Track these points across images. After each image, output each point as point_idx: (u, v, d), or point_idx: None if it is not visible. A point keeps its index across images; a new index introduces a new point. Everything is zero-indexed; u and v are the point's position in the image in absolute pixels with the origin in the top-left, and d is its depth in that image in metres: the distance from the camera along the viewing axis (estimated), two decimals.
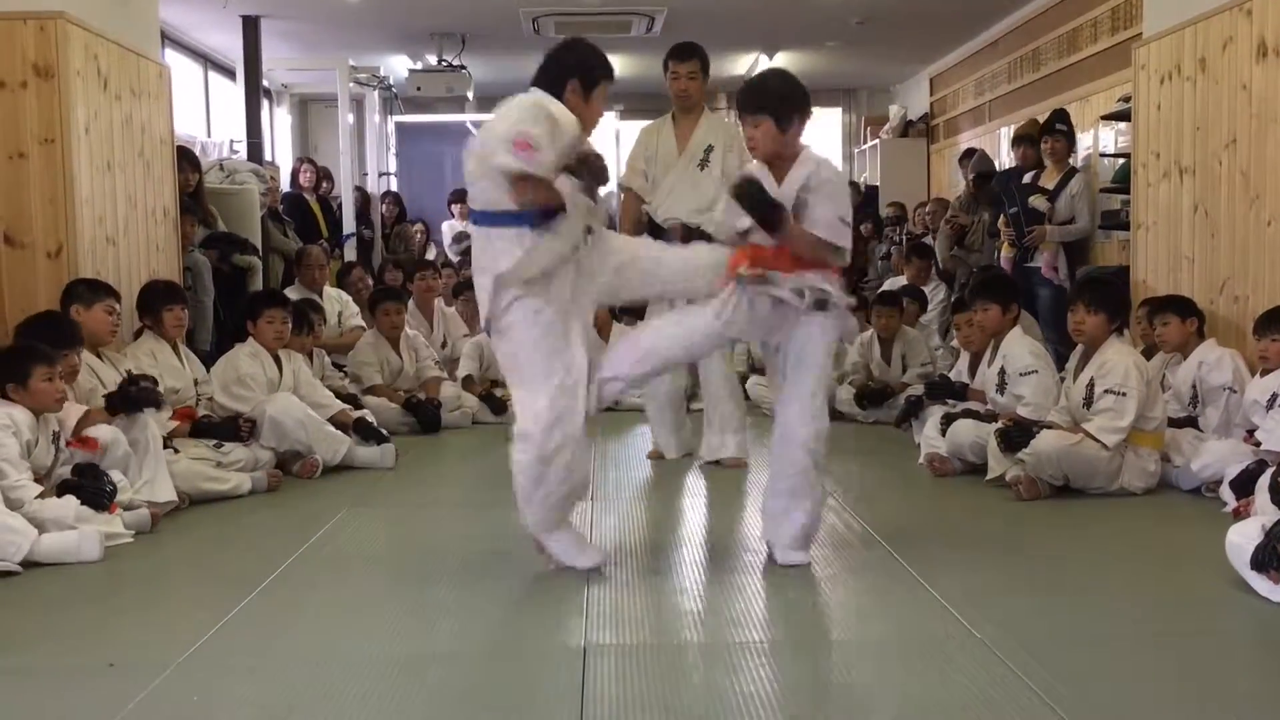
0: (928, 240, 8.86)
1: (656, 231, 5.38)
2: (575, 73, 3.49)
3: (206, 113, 10.99)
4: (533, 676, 2.77)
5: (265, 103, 10.87)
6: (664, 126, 5.47)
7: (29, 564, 3.67)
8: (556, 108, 3.39)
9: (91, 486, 4.02)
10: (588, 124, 3.51)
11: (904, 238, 9.67)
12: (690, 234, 5.03)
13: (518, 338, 3.40)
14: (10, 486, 3.82)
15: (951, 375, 5.83)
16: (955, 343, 6.35)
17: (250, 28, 9.51)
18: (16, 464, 3.89)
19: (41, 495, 3.89)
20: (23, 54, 4.84)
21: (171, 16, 9.00)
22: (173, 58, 9.53)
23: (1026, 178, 7.23)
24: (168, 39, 9.28)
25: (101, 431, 4.25)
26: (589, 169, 3.41)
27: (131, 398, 4.36)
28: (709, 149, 5.32)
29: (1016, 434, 4.70)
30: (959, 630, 3.03)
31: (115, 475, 4.17)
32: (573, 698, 2.61)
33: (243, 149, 9.78)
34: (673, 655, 2.92)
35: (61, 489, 3.99)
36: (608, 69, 3.58)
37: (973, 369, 5.59)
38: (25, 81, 4.85)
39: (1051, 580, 3.57)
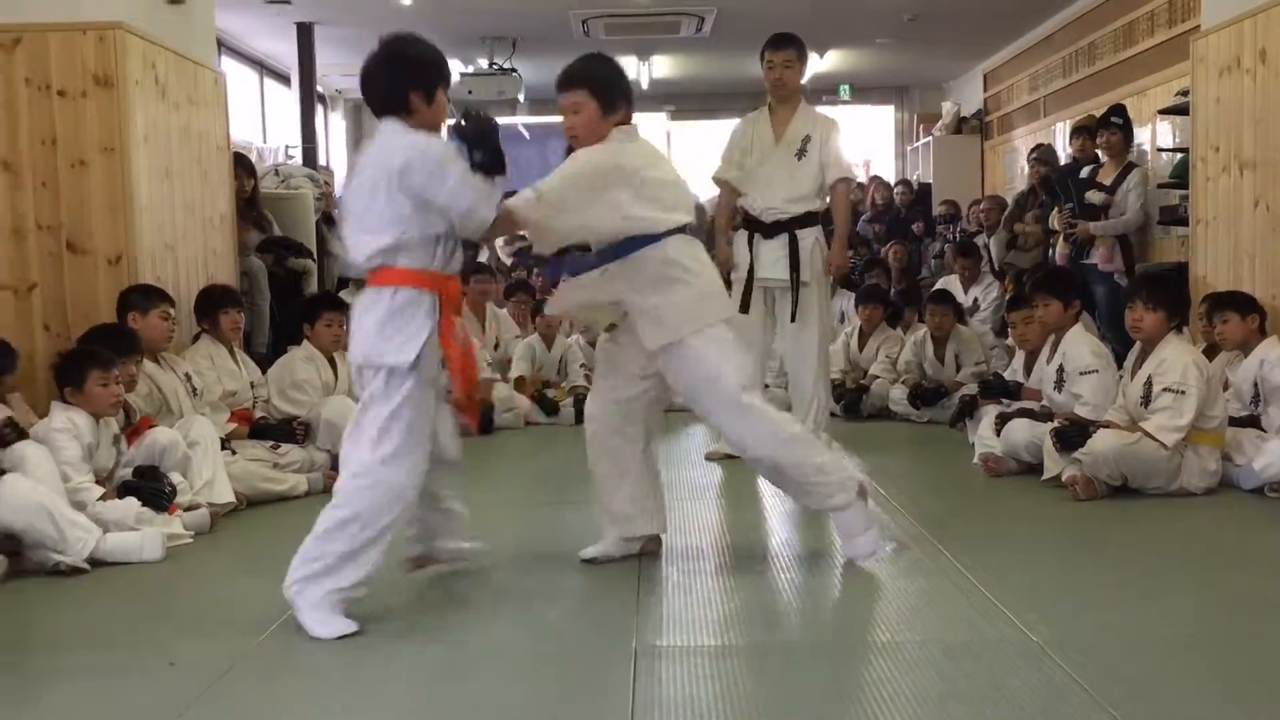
0: (981, 238, 8.76)
1: (750, 224, 5.40)
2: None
3: (262, 119, 11.15)
4: (584, 678, 2.78)
5: (319, 108, 11.02)
6: (760, 118, 5.49)
7: (92, 562, 3.75)
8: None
9: (151, 488, 4.11)
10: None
11: (957, 236, 9.57)
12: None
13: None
14: (74, 489, 3.91)
15: (1006, 374, 5.77)
16: (1010, 341, 6.28)
17: (304, 34, 9.64)
18: (79, 466, 3.98)
19: (103, 497, 3.98)
20: (83, 64, 4.94)
21: (227, 24, 9.15)
22: (229, 65, 9.69)
23: (1084, 172, 7.12)
24: (224, 47, 9.44)
25: (160, 434, 4.34)
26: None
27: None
28: (806, 138, 5.33)
29: (1073, 433, 4.64)
30: (1014, 632, 3.00)
31: (175, 477, 4.25)
32: (623, 699, 2.62)
33: (298, 154, 9.92)
34: (724, 657, 2.92)
35: (123, 490, 4.07)
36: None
37: (1028, 368, 5.52)
38: (85, 91, 4.95)
39: (1109, 582, 3.51)
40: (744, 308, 5.40)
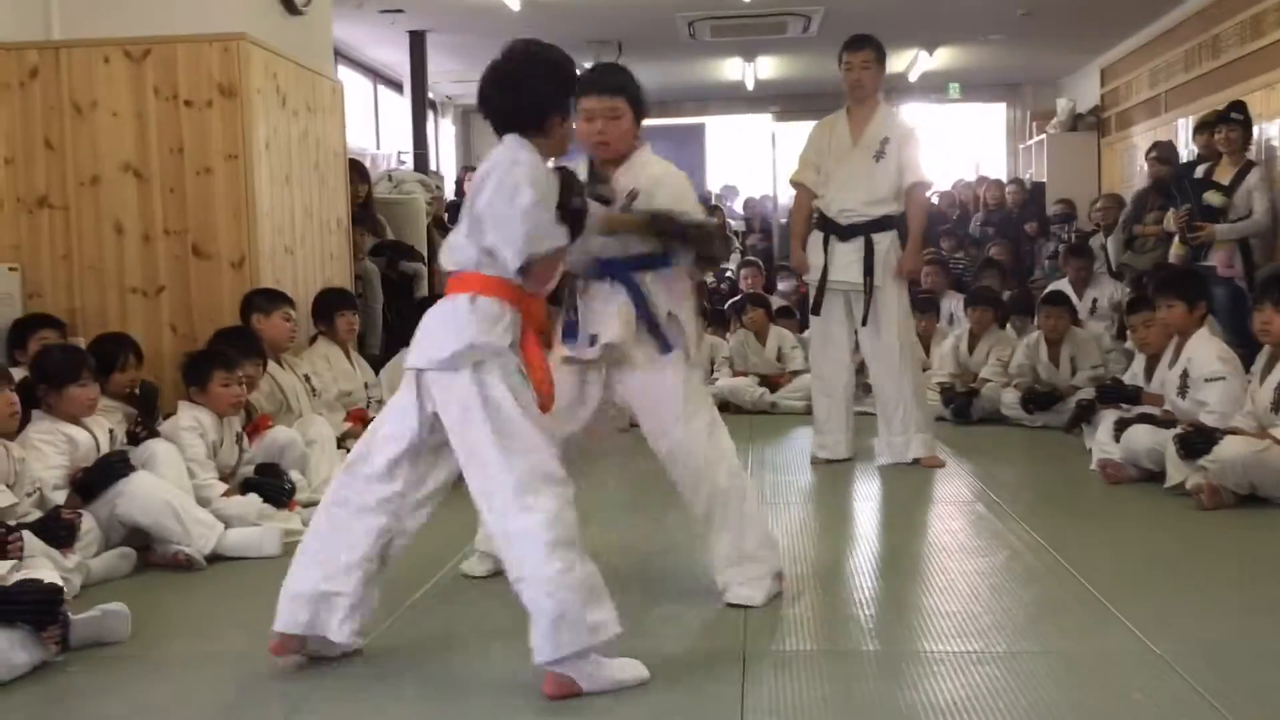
0: (1098, 238, 8.52)
1: (826, 226, 5.35)
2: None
3: (376, 126, 11.41)
4: (693, 683, 2.77)
5: (430, 114, 11.22)
6: (838, 120, 5.43)
7: (215, 557, 3.88)
8: None
9: (272, 485, 4.23)
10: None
11: (1072, 236, 9.32)
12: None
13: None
14: (199, 485, 4.05)
15: (1125, 378, 5.59)
16: (1129, 345, 6.09)
17: (417, 43, 9.83)
18: (204, 464, 4.12)
19: (226, 494, 4.11)
20: (208, 75, 5.12)
21: (344, 34, 9.39)
22: (345, 74, 9.93)
23: (1199, 171, 6.86)
24: (340, 56, 9.68)
25: (279, 433, 4.47)
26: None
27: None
28: (885, 140, 5.26)
29: (1198, 440, 4.47)
30: (1136, 645, 2.91)
31: (294, 474, 4.38)
32: (733, 705, 2.61)
33: (409, 159, 10.12)
34: (835, 663, 2.89)
35: (244, 488, 4.21)
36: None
37: (1148, 372, 5.35)
38: (211, 100, 5.12)
39: (1236, 594, 3.38)
40: (815, 309, 5.40)
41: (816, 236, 5.40)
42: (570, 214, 2.77)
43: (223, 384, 4.24)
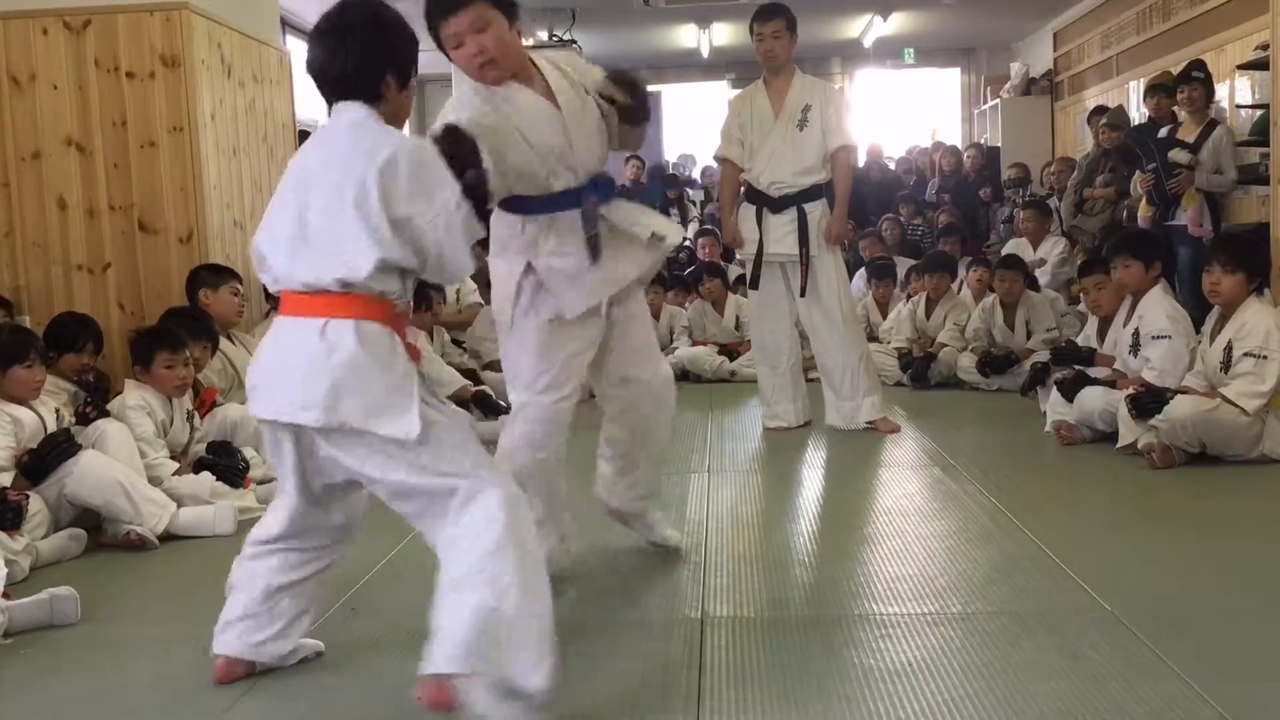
0: (1053, 201, 8.57)
1: (757, 198, 5.34)
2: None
3: None
4: (651, 648, 2.78)
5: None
6: (756, 93, 5.41)
7: (168, 536, 3.83)
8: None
9: (225, 463, 4.19)
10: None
11: (1027, 200, 9.38)
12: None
13: None
14: (150, 464, 4.00)
15: (1079, 340, 5.64)
16: (1082, 308, 6.14)
17: None
18: (153, 443, 4.07)
19: (178, 472, 4.06)
20: (150, 45, 5.01)
21: (291, 4, 9.21)
22: (293, 43, 9.76)
23: (1163, 132, 6.89)
24: (288, 25, 9.50)
25: (232, 410, 4.41)
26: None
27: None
28: (807, 108, 5.24)
29: (1149, 400, 4.53)
30: (1089, 602, 2.94)
31: (247, 452, 4.33)
32: (691, 669, 2.61)
33: None
34: (791, 628, 2.90)
35: (198, 466, 4.16)
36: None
37: (1100, 334, 5.40)
38: (153, 72, 5.02)
39: (1186, 551, 3.43)
40: (754, 283, 5.40)
41: (748, 209, 5.38)
42: (469, 191, 2.43)
43: (166, 365, 4.18)
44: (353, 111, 2.40)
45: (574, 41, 10.49)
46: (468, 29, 2.86)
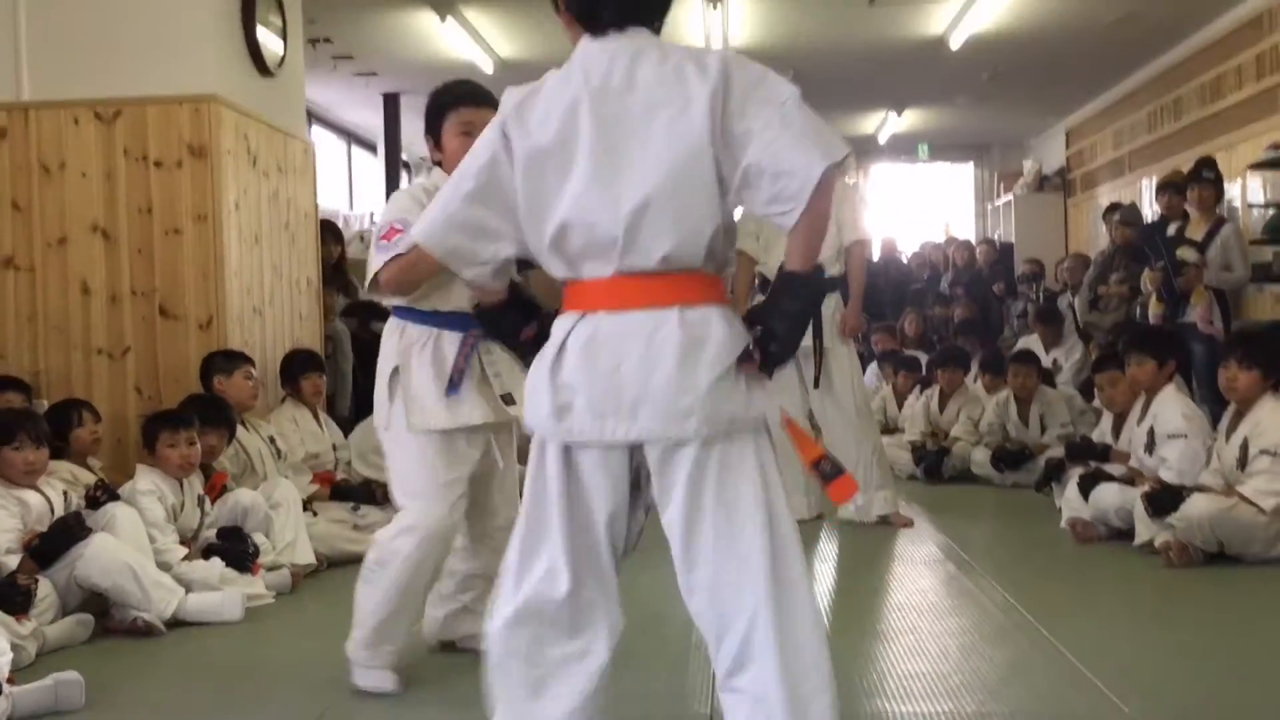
0: (1066, 297, 8.61)
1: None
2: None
3: (349, 186, 11.45)
4: None
5: (404, 175, 11.27)
6: None
7: (176, 622, 3.81)
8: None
9: (235, 549, 4.18)
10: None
11: (1040, 295, 9.43)
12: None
13: None
14: (159, 550, 3.99)
15: (1094, 436, 5.62)
16: (1097, 403, 6.12)
17: (391, 104, 9.91)
18: (163, 527, 4.07)
19: (188, 557, 4.05)
20: (179, 136, 5.12)
21: (318, 96, 9.45)
22: (318, 135, 9.98)
23: (1171, 229, 6.94)
24: (314, 117, 9.73)
25: (243, 495, 4.42)
26: None
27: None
28: None
29: (1165, 497, 4.49)
30: (1105, 704, 2.89)
31: (258, 538, 4.32)
32: None
33: None
34: None
35: (207, 551, 4.15)
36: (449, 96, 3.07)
37: (1116, 430, 5.38)
38: (181, 161, 5.12)
39: (1204, 652, 3.37)
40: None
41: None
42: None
43: (169, 444, 4.19)
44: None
45: None
46: (484, 124, 2.90)
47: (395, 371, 3.01)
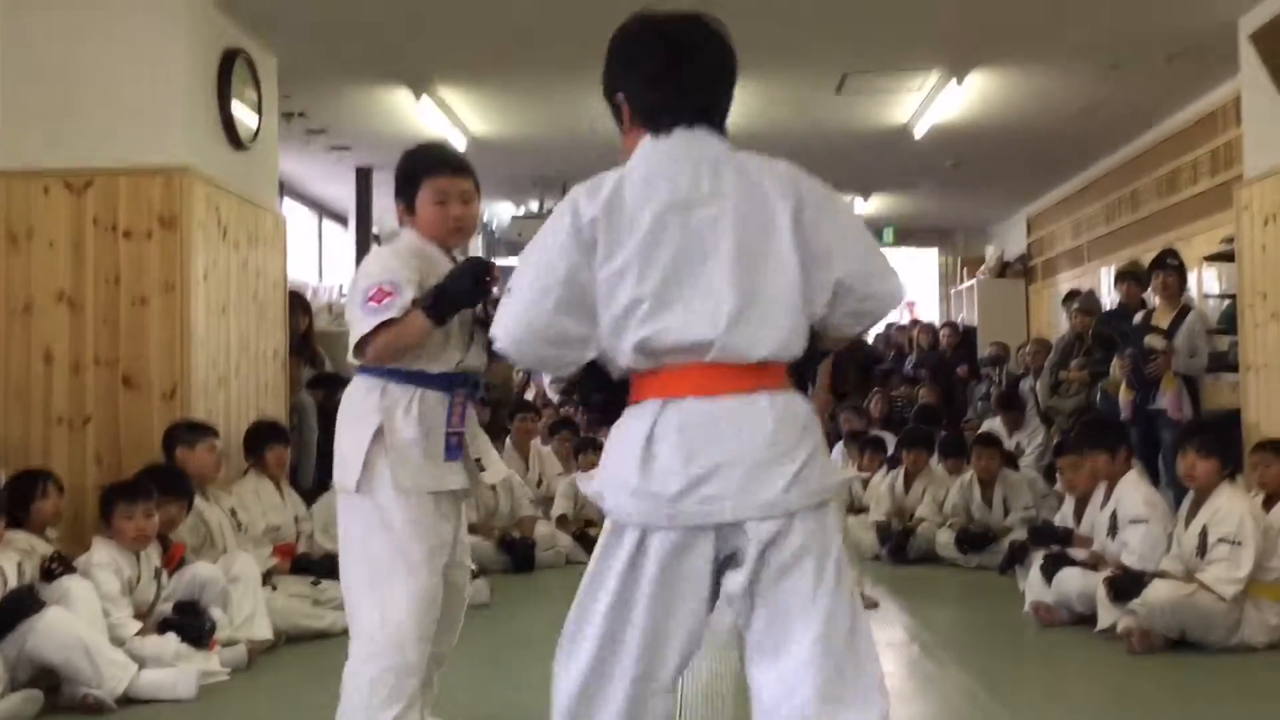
0: (1028, 381, 8.72)
1: None
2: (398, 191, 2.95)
3: (319, 258, 11.46)
4: None
5: (375, 248, 11.30)
6: None
7: (128, 700, 3.72)
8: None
9: (191, 624, 4.10)
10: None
11: (1004, 378, 9.54)
12: None
13: None
14: (113, 624, 3.91)
15: (1056, 520, 5.66)
16: (1059, 486, 6.17)
17: (363, 179, 9.96)
18: (117, 601, 3.99)
19: (142, 632, 3.98)
20: (150, 206, 5.13)
21: (291, 169, 9.49)
22: (290, 207, 10.01)
23: (1138, 318, 7.04)
24: (286, 189, 9.77)
25: (201, 569, 4.35)
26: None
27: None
28: None
29: (1127, 583, 4.52)
30: None
31: (215, 612, 4.25)
32: None
33: None
34: None
35: (163, 626, 4.07)
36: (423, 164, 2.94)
37: (1078, 514, 5.42)
38: (150, 231, 5.12)
39: None
40: None
41: None
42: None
43: (125, 517, 4.13)
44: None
45: None
46: (459, 194, 2.89)
47: (379, 432, 2.79)
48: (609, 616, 1.96)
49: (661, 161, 2.05)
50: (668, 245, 1.98)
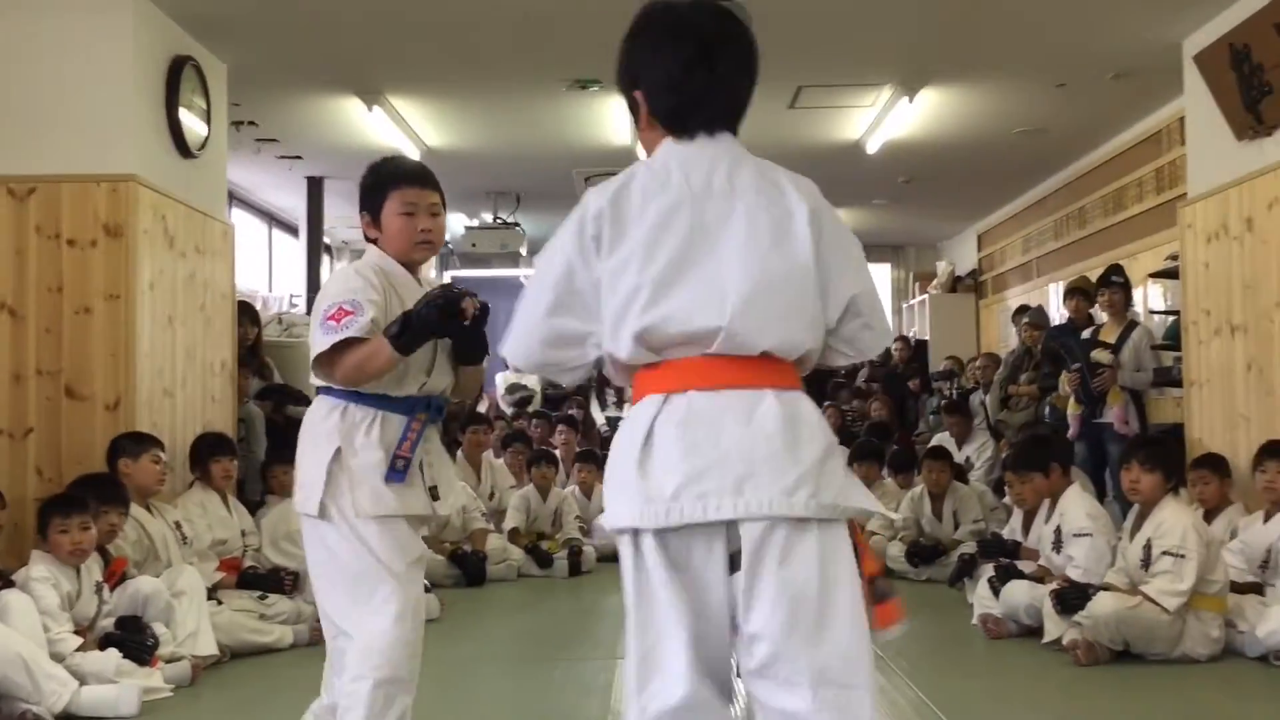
0: (978, 395, 8.81)
1: None
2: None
3: (269, 268, 11.34)
4: None
5: (326, 258, 11.21)
6: None
7: (68, 717, 3.65)
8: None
9: (133, 640, 4.03)
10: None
11: (954, 392, 9.63)
12: None
13: None
14: (52, 639, 3.83)
15: (1004, 533, 5.72)
16: (1007, 500, 6.23)
17: (314, 188, 9.89)
18: (57, 616, 3.91)
19: (84, 647, 3.90)
20: (95, 214, 5.05)
21: (240, 178, 9.40)
22: (239, 216, 9.91)
23: (1086, 333, 7.13)
24: (235, 198, 9.67)
25: (144, 583, 4.28)
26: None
27: None
28: None
29: (1072, 595, 4.57)
30: None
31: (158, 628, 4.18)
32: None
33: (302, 303, 10.06)
34: None
35: (104, 642, 4.00)
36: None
37: (1025, 527, 5.48)
38: (95, 240, 5.05)
39: None
40: None
41: None
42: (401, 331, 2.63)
43: (60, 530, 4.05)
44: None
45: (518, 224, 10.76)
46: (427, 207, 2.85)
47: (338, 453, 2.71)
48: (645, 629, 1.85)
49: (679, 159, 1.98)
50: (675, 234, 1.90)
